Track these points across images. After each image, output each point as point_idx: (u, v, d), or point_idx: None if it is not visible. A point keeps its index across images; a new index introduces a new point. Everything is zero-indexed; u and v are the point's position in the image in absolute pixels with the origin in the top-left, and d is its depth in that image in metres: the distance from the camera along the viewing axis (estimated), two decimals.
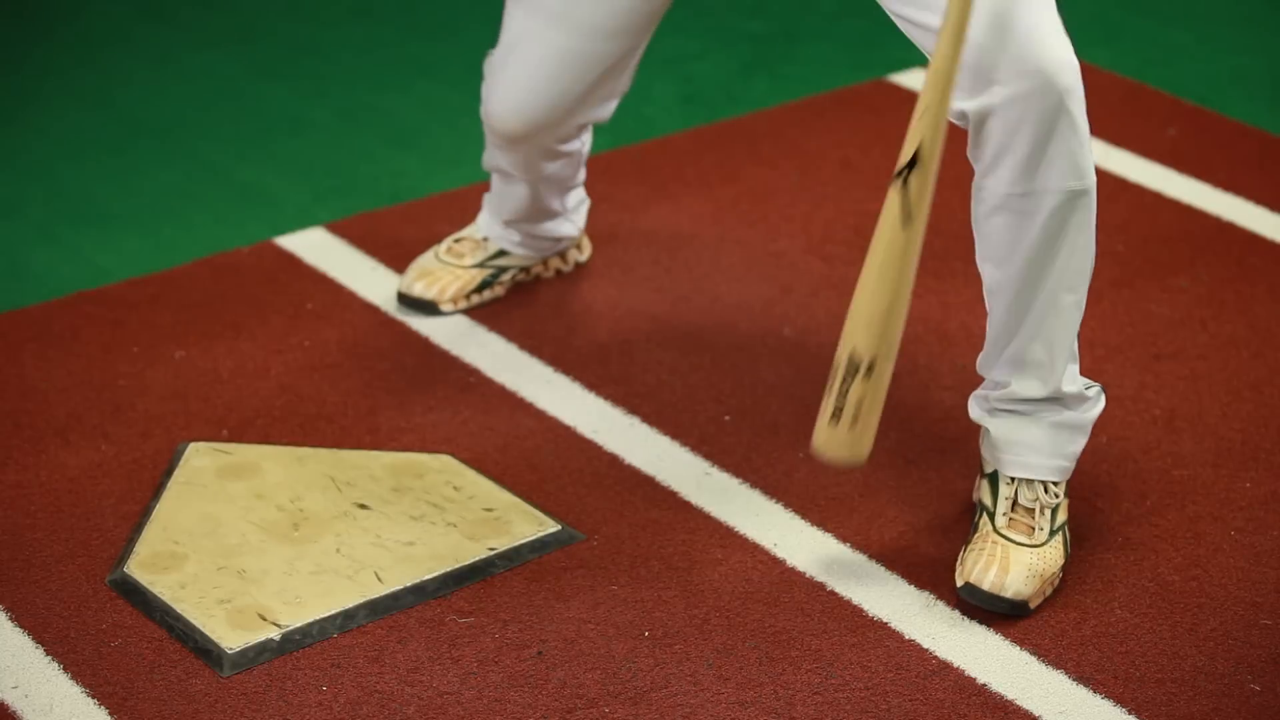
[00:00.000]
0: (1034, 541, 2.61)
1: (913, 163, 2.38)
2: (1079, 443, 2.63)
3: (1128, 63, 4.03)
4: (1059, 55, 2.45)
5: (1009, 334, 2.59)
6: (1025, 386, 2.60)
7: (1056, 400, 2.61)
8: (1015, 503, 2.64)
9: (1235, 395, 3.00)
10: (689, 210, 3.49)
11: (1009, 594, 2.57)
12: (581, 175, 3.18)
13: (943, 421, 2.91)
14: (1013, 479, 2.64)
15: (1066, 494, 2.66)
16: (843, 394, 2.47)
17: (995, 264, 2.56)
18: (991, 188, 2.51)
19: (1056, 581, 2.62)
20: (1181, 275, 3.30)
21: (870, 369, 2.45)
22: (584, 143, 3.09)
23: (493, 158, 3.10)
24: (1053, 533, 2.62)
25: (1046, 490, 2.63)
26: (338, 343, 3.13)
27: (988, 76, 2.45)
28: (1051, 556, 2.60)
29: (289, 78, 4.02)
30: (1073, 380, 2.61)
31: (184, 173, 3.67)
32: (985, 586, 2.57)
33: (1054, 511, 2.63)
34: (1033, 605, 2.59)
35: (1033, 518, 2.63)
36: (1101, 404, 2.65)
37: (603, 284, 3.28)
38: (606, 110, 2.96)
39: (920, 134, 2.37)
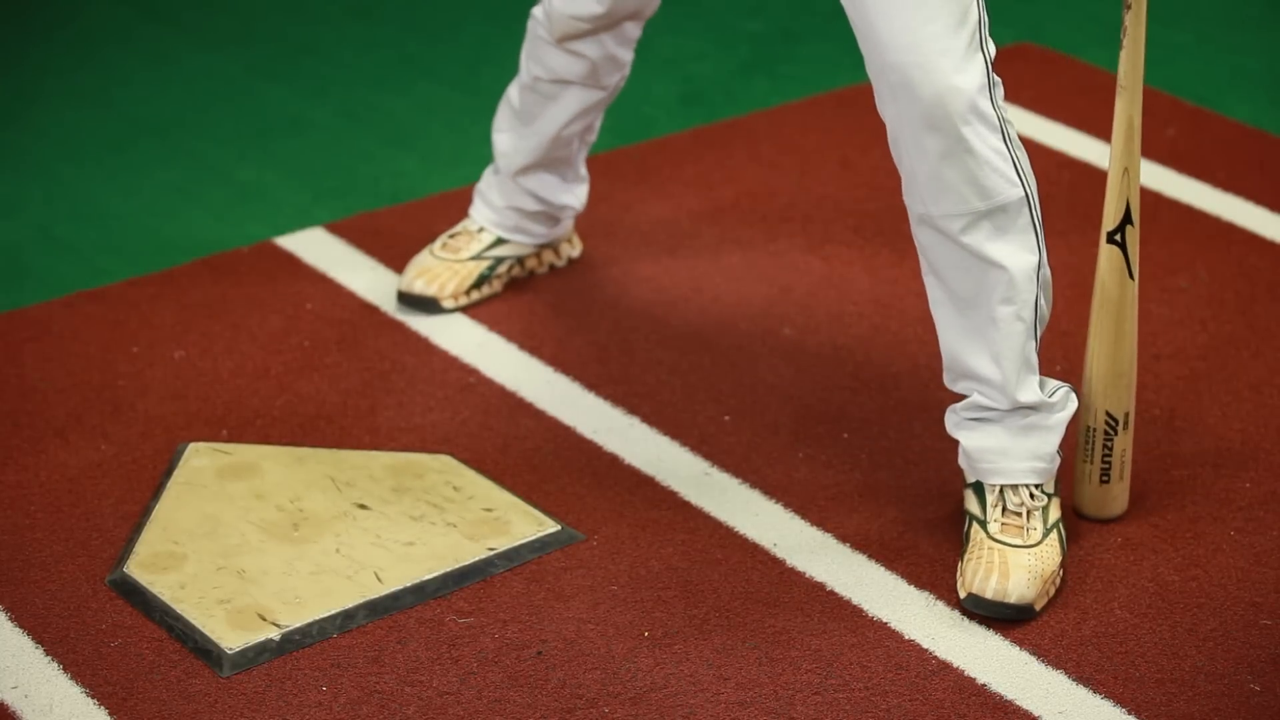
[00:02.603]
0: (1028, 542, 2.61)
1: (1125, 221, 2.58)
2: (1051, 442, 2.63)
3: None
4: (942, 82, 2.46)
5: (957, 349, 2.62)
6: (985, 398, 2.62)
7: (1018, 410, 2.61)
8: (1005, 508, 2.64)
9: (1235, 395, 3.00)
10: (689, 210, 3.49)
11: (1013, 599, 2.57)
12: (598, 128, 3.17)
13: (942, 422, 2.91)
14: (995, 486, 2.64)
15: (1056, 492, 2.66)
16: (1106, 454, 2.67)
17: (931, 278, 2.60)
18: (909, 205, 2.57)
19: (1059, 580, 2.61)
20: (1181, 275, 3.30)
21: (1127, 421, 2.68)
22: (628, 62, 3.08)
23: (523, 78, 3.09)
24: (1046, 531, 2.62)
25: (1032, 494, 2.63)
26: (338, 343, 3.13)
27: (887, 96, 2.48)
28: (1048, 555, 2.60)
29: (289, 78, 4.02)
30: (1030, 390, 2.60)
31: (184, 173, 3.67)
32: (989, 595, 2.57)
33: (1044, 511, 2.63)
34: (1038, 607, 2.58)
35: (1024, 520, 2.62)
36: (1072, 405, 2.65)
37: (603, 284, 3.27)
38: (653, 3, 2.99)
39: (1125, 194, 2.56)
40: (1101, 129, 3.74)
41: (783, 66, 4.07)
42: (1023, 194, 2.52)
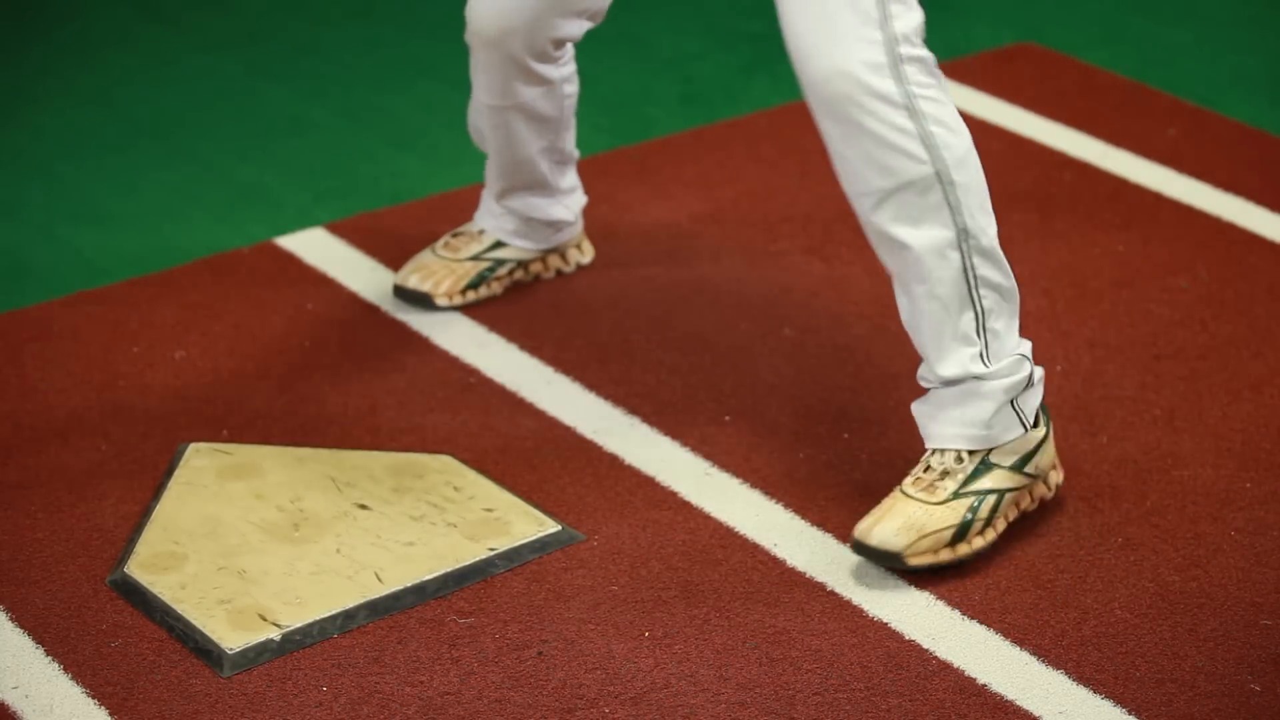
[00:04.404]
0: (930, 499, 2.62)
1: None
2: (985, 409, 2.62)
3: (1128, 63, 4.03)
4: (827, 65, 2.47)
5: (903, 322, 2.65)
6: (922, 368, 2.66)
7: (946, 383, 2.63)
8: (927, 466, 2.66)
9: (1235, 395, 3.00)
10: (689, 210, 3.49)
11: (873, 542, 2.60)
12: (571, 142, 3.15)
13: None
14: (929, 448, 2.66)
15: (990, 465, 2.64)
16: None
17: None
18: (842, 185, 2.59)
19: (958, 547, 2.62)
20: (1181, 275, 3.30)
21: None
22: (565, 79, 3.06)
23: (475, 100, 3.07)
24: (958, 494, 2.62)
25: (959, 459, 2.64)
26: (338, 343, 3.13)
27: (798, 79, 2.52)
28: (943, 516, 2.61)
29: (289, 78, 4.02)
30: (955, 365, 2.60)
31: (184, 173, 3.67)
32: (856, 534, 2.63)
33: (969, 476, 2.63)
34: (910, 561, 2.60)
35: (940, 479, 2.63)
36: (1020, 371, 2.62)
37: (603, 284, 3.28)
38: (577, 28, 2.96)
39: None
40: (1101, 129, 3.74)
41: (783, 66, 4.06)
42: (931, 170, 2.51)
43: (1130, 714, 2.44)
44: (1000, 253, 2.59)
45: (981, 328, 2.60)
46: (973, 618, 2.59)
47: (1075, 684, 2.49)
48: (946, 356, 2.61)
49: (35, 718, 2.44)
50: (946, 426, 2.65)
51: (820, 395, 3.01)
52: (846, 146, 2.51)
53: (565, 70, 3.06)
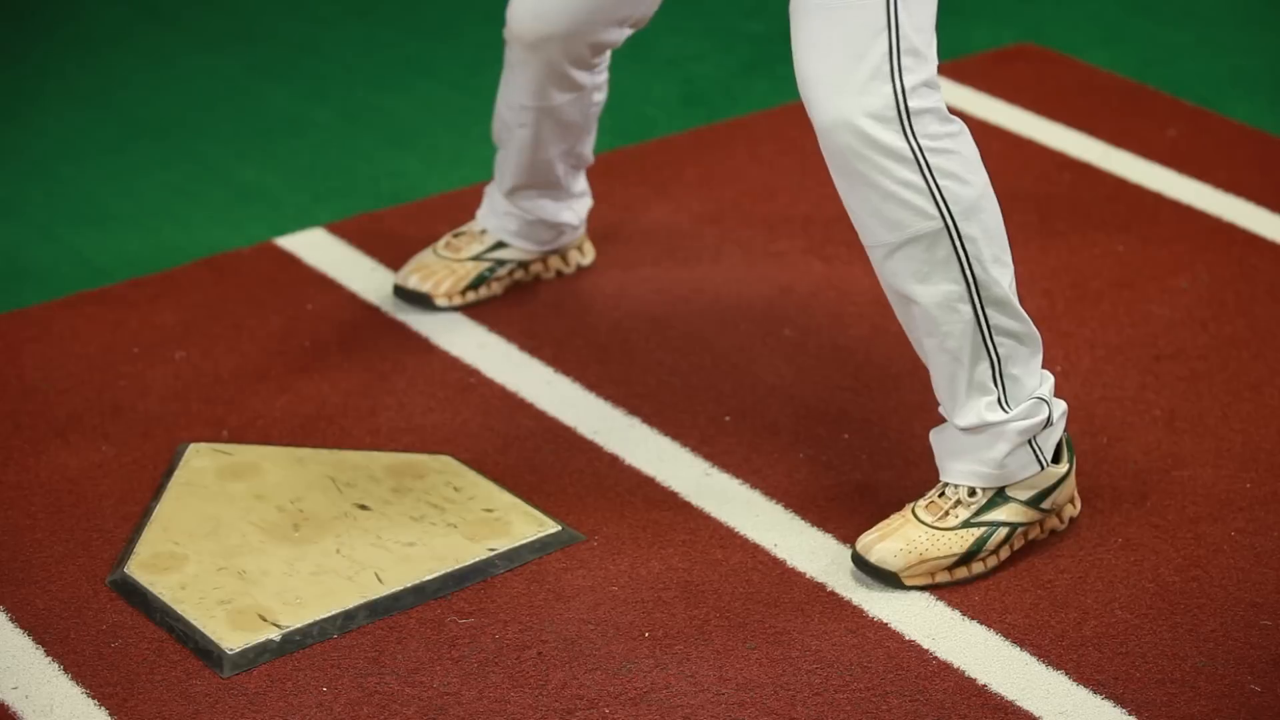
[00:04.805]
0: (938, 525, 2.61)
1: None
2: (1000, 450, 2.60)
3: (1128, 63, 4.03)
4: (830, 117, 2.45)
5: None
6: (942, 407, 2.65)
7: (961, 429, 2.62)
8: (941, 493, 2.65)
9: (1235, 395, 3.00)
10: (689, 210, 3.49)
11: (872, 559, 2.60)
12: (590, 147, 3.15)
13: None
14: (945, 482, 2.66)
15: (1006, 499, 2.63)
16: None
17: None
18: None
19: (948, 570, 2.61)
20: (1181, 275, 3.30)
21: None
22: (596, 87, 3.06)
23: (504, 96, 3.07)
24: (968, 524, 2.62)
25: (971, 492, 2.63)
26: (338, 343, 3.13)
27: None
28: (948, 543, 2.60)
29: (289, 78, 4.01)
30: (971, 414, 2.58)
31: (184, 173, 3.67)
32: (857, 547, 2.62)
33: (980, 508, 2.62)
34: (907, 581, 2.60)
35: (953, 507, 2.63)
36: (1039, 415, 2.59)
37: (603, 284, 3.28)
38: (619, 35, 2.96)
39: None
40: (1101, 129, 3.74)
41: (783, 67, 4.06)
42: (940, 226, 2.48)
43: (1130, 714, 2.44)
44: (1015, 300, 2.55)
45: (998, 375, 2.57)
46: (973, 618, 2.59)
47: (1075, 684, 2.49)
48: (961, 407, 2.59)
49: (35, 718, 2.44)
50: (960, 463, 2.63)
51: (820, 395, 3.01)
52: (852, 198, 2.49)
53: (599, 78, 3.06)
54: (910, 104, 2.44)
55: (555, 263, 3.28)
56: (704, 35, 4.18)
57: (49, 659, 2.52)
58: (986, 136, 3.71)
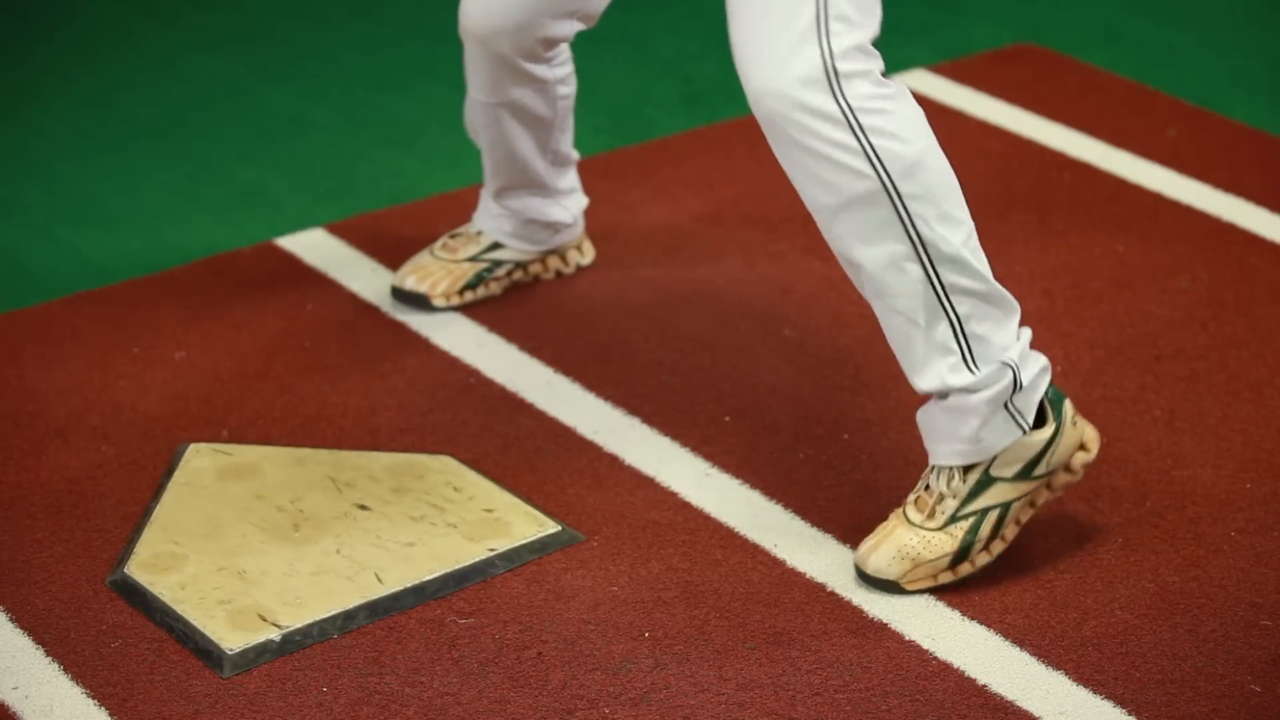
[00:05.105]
0: (928, 524, 2.61)
1: None
2: (970, 424, 2.57)
3: (1128, 63, 4.03)
4: (758, 84, 2.46)
5: None
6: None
7: (930, 396, 2.60)
8: (927, 485, 2.64)
9: (1235, 396, 3.00)
10: (689, 210, 3.49)
11: (868, 570, 2.61)
12: (568, 143, 3.14)
13: None
14: (930, 466, 2.65)
15: (990, 480, 2.60)
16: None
17: None
18: None
19: (949, 569, 2.60)
20: (1181, 275, 3.30)
21: None
22: (560, 80, 3.05)
23: (469, 96, 3.07)
24: (954, 518, 2.61)
25: (954, 479, 2.61)
26: (338, 343, 3.13)
27: None
28: (940, 543, 2.60)
29: (289, 78, 4.02)
30: (932, 377, 2.55)
31: (184, 173, 3.67)
32: (855, 558, 2.63)
33: (965, 497, 2.61)
34: (907, 586, 2.60)
35: (939, 502, 2.62)
36: (1004, 380, 2.55)
37: (603, 284, 3.28)
38: (568, 28, 2.95)
39: None
40: (1101, 129, 3.74)
41: None
42: (877, 185, 2.46)
43: (1130, 714, 2.44)
44: (970, 257, 2.51)
45: (960, 335, 2.54)
46: (973, 618, 2.59)
47: (1075, 684, 2.49)
48: (920, 369, 2.56)
49: (35, 718, 2.44)
50: (939, 443, 2.61)
51: (820, 395, 3.01)
52: (789, 165, 2.49)
53: (560, 71, 3.05)
54: (839, 66, 2.43)
55: (555, 263, 3.28)
56: (704, 35, 4.18)
57: (49, 659, 2.52)
58: (986, 136, 3.71)
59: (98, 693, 2.47)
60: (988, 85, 3.89)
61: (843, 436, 2.92)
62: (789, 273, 3.31)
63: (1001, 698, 2.47)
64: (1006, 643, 2.55)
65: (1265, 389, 3.02)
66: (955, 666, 2.51)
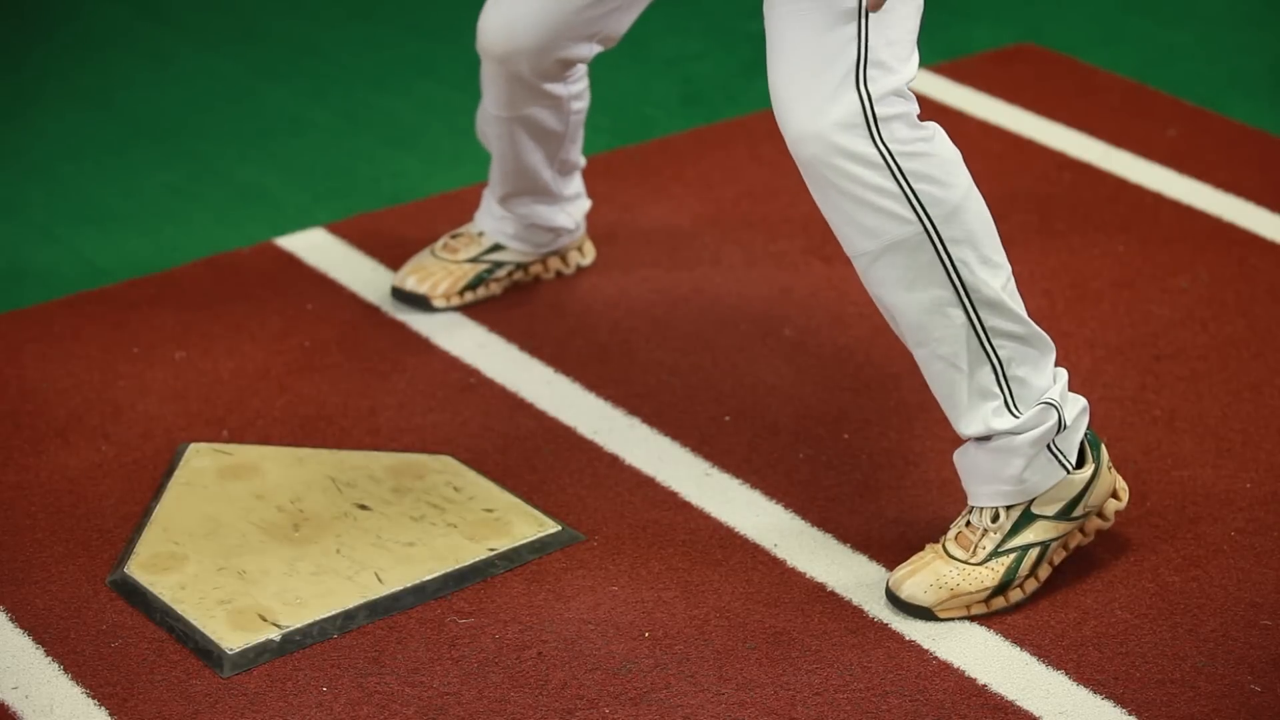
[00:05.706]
0: (969, 559, 2.59)
1: None
2: (1014, 465, 2.56)
3: (1128, 63, 4.03)
4: (797, 128, 2.43)
5: None
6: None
7: (971, 440, 2.59)
8: (968, 522, 2.62)
9: (1235, 396, 3.00)
10: (689, 210, 3.49)
11: (903, 595, 2.58)
12: (577, 152, 3.14)
13: (943, 422, 2.91)
14: (970, 506, 2.64)
15: (1032, 517, 2.60)
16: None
17: None
18: None
19: (983, 602, 2.59)
20: (1181, 275, 3.30)
21: None
22: (574, 96, 3.05)
23: (483, 106, 3.08)
24: (995, 554, 2.59)
25: (998, 515, 2.60)
26: (338, 343, 3.13)
27: None
28: (980, 577, 2.58)
29: (289, 78, 4.02)
30: (976, 423, 2.54)
31: (184, 173, 3.67)
32: (889, 583, 2.60)
33: (1006, 535, 2.59)
34: (940, 614, 2.58)
35: (980, 539, 2.60)
36: (1048, 421, 2.55)
37: (603, 284, 3.28)
38: (588, 50, 2.94)
39: None
40: (1101, 129, 3.74)
41: None
42: (919, 230, 2.45)
43: (1130, 714, 2.44)
44: (1009, 301, 2.51)
45: (1002, 378, 2.53)
46: (972, 618, 2.59)
47: (1075, 684, 2.49)
48: (965, 414, 2.55)
49: (35, 718, 2.44)
50: (981, 485, 2.59)
51: (820, 395, 3.01)
52: (829, 210, 2.47)
53: (575, 88, 3.05)
54: (878, 110, 2.42)
55: (555, 263, 3.28)
56: (704, 35, 4.18)
57: (49, 659, 2.52)
58: (986, 136, 3.71)
59: (98, 693, 2.47)
60: (988, 85, 3.89)
61: (843, 436, 2.92)
62: (789, 273, 3.31)
63: (1001, 698, 2.47)
64: (1006, 643, 2.55)
65: (1265, 389, 3.02)
66: (955, 666, 2.51)
